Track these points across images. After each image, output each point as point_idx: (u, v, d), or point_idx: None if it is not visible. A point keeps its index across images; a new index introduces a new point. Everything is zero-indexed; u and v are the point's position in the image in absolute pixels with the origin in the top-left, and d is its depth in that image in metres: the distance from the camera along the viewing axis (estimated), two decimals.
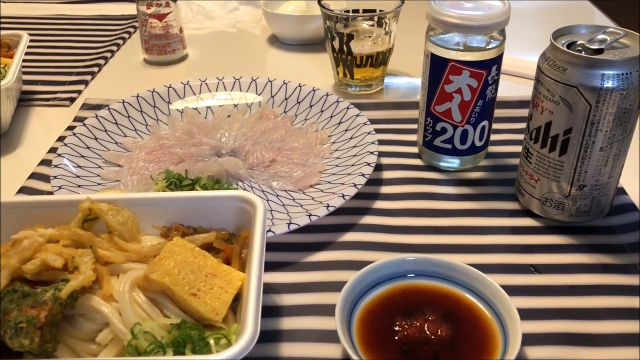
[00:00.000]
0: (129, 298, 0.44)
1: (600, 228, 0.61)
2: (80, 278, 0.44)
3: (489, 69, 0.63)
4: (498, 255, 0.58)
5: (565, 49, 0.54)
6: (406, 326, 0.49)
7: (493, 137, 0.73)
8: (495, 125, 0.75)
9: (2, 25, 1.12)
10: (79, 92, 0.90)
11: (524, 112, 0.80)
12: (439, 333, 0.48)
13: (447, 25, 0.62)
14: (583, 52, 0.54)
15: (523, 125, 0.78)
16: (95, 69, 0.96)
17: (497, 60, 0.64)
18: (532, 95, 0.59)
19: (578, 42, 0.56)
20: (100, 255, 0.47)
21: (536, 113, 0.58)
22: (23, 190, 0.68)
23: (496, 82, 0.65)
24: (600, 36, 0.55)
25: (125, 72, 0.98)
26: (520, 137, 0.75)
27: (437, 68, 0.64)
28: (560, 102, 0.55)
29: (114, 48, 1.04)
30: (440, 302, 0.51)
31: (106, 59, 1.00)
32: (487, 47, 0.63)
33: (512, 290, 0.51)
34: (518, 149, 0.72)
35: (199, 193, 0.55)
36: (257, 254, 0.46)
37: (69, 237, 0.49)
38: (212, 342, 0.42)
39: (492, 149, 0.73)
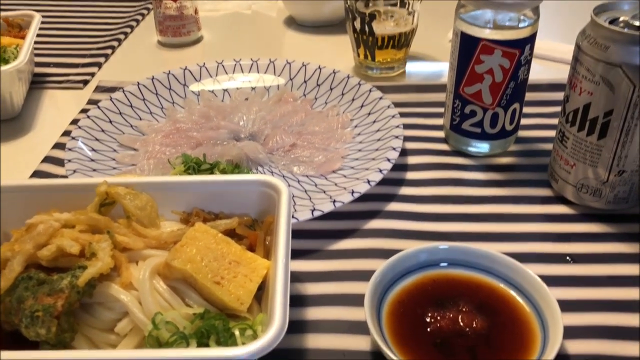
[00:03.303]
0: (150, 286, 0.42)
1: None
2: (99, 265, 0.41)
3: (522, 48, 0.60)
4: (531, 244, 0.56)
5: (608, 25, 0.51)
6: (439, 317, 0.46)
7: (523, 121, 0.70)
8: (524, 109, 0.72)
9: (14, 6, 1.10)
10: (92, 74, 0.88)
11: (555, 96, 0.77)
12: (473, 325, 0.46)
13: (479, 0, 0.59)
14: (626, 29, 0.51)
15: (554, 109, 0.75)
16: (109, 51, 0.94)
17: (531, 39, 0.60)
18: (569, 76, 0.56)
19: (620, 19, 0.53)
20: (119, 241, 0.45)
21: (574, 94, 0.55)
22: (36, 174, 0.66)
23: (529, 62, 0.62)
24: None
25: (139, 55, 0.95)
26: (552, 121, 0.72)
27: (468, 47, 0.61)
28: (600, 83, 0.52)
29: (128, 30, 1.01)
30: (474, 292, 0.49)
31: (120, 41, 0.98)
32: (520, 26, 0.60)
33: (547, 281, 0.48)
34: (549, 133, 0.70)
35: (221, 177, 0.52)
36: (282, 241, 0.43)
37: (85, 222, 0.46)
38: (237, 332, 0.40)
39: (522, 133, 0.70)
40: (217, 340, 0.40)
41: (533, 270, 0.48)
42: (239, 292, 0.42)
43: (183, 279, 0.43)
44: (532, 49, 0.61)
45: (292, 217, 0.55)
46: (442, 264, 0.50)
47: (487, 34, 0.60)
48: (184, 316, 0.41)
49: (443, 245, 0.50)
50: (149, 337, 0.40)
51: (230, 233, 0.48)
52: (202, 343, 0.39)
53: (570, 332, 0.47)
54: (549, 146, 0.65)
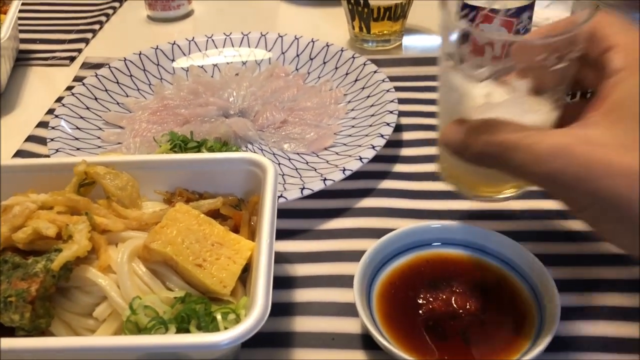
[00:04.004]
0: (128, 269, 0.40)
1: None
2: (74, 248, 0.40)
3: (520, 17, 0.57)
4: (530, 222, 0.54)
5: None
6: (431, 299, 0.45)
7: None
8: None
9: None
10: (80, 50, 0.85)
11: None
12: (467, 307, 0.44)
13: None
14: None
15: None
16: (97, 27, 0.91)
17: (530, 7, 0.58)
18: None
19: None
20: (97, 223, 0.43)
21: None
22: (19, 153, 0.64)
23: (528, 32, 0.60)
24: None
25: (128, 30, 0.93)
26: None
27: (465, 16, 0.58)
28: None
29: (116, 4, 0.98)
30: (469, 272, 0.47)
31: (108, 15, 0.95)
32: None
33: (546, 260, 0.46)
34: None
35: (205, 155, 0.50)
36: (267, 221, 0.41)
37: (63, 203, 0.45)
38: (219, 317, 0.39)
39: None
40: (198, 325, 0.38)
41: (531, 249, 0.46)
42: (221, 275, 0.41)
43: (164, 261, 0.41)
44: (530, 17, 0.59)
45: (281, 196, 0.53)
46: (435, 244, 0.48)
47: (485, 2, 0.57)
48: (164, 300, 0.40)
49: (435, 223, 0.48)
50: (128, 322, 0.38)
51: (215, 213, 0.46)
52: (183, 328, 0.38)
53: (569, 313, 0.45)
54: None
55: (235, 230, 0.45)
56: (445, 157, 0.46)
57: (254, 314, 0.35)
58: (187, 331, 0.38)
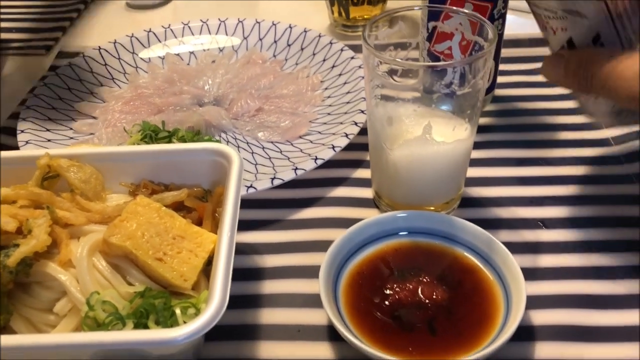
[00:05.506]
0: (88, 264, 0.40)
1: (619, 177, 0.55)
2: (32, 243, 0.39)
3: (494, 1, 0.56)
4: (502, 209, 0.53)
5: None
6: (398, 289, 0.44)
7: (501, 79, 0.67)
8: (503, 67, 0.68)
9: None
10: (56, 39, 0.84)
11: (537, 51, 0.73)
12: (434, 297, 0.44)
13: None
14: None
15: (535, 65, 0.71)
16: (74, 15, 0.90)
17: None
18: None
19: None
20: (59, 217, 0.42)
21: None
22: None
23: (503, 16, 0.58)
24: None
25: (106, 18, 0.91)
26: (532, 78, 0.68)
27: (436, 1, 0.57)
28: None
29: None
30: (436, 262, 0.46)
31: (86, 3, 0.93)
32: None
33: (517, 248, 0.46)
34: (529, 91, 0.67)
35: (170, 146, 0.49)
36: (230, 213, 0.41)
37: (25, 196, 0.44)
38: (178, 311, 0.38)
39: (499, 92, 0.66)
40: (156, 320, 0.38)
41: (502, 237, 0.46)
42: (182, 269, 0.40)
43: (124, 255, 0.41)
44: (506, 1, 0.57)
45: (252, 186, 0.53)
46: (402, 233, 0.48)
47: None
48: (124, 295, 0.39)
49: (402, 212, 0.48)
50: (86, 318, 0.38)
51: (180, 205, 0.46)
52: (141, 323, 0.38)
53: (538, 302, 0.45)
54: (527, 105, 0.63)
55: (200, 222, 0.45)
56: (382, 183, 0.51)
57: (210, 308, 0.35)
58: (146, 326, 0.37)
